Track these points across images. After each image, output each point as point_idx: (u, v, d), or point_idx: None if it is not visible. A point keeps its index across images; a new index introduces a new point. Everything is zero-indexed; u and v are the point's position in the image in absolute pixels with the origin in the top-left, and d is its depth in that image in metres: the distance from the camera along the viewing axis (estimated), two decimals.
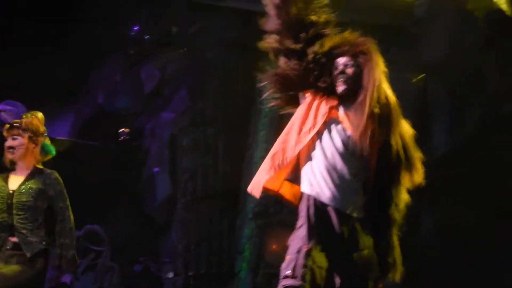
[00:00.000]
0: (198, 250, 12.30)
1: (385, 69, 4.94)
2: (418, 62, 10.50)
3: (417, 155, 4.90)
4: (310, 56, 4.94)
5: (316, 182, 4.77)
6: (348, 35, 5.02)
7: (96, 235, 12.31)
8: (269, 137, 10.99)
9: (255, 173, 5.00)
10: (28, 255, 6.45)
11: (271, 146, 4.97)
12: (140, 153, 13.68)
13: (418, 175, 4.89)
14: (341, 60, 4.92)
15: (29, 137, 6.71)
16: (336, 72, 4.91)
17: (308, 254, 4.57)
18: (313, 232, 4.65)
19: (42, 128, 6.85)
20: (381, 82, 4.84)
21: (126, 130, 13.21)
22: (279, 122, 10.48)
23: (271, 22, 5.06)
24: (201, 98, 12.77)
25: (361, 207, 4.76)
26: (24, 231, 6.51)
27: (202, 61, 12.79)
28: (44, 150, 6.91)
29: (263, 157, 4.44)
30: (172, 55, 13.31)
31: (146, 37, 13.54)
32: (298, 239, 4.69)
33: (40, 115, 6.90)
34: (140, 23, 13.51)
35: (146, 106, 13.71)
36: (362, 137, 4.69)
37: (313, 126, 4.81)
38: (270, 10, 5.06)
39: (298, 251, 4.61)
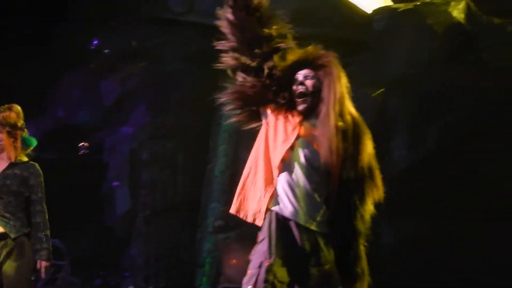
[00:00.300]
0: (158, 263, 12.25)
1: (348, 84, 4.95)
2: (378, 77, 10.54)
3: (378, 173, 4.92)
4: (266, 72, 4.94)
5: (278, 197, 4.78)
6: (310, 49, 5.02)
7: (56, 250, 12.18)
8: (230, 151, 10.98)
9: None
10: (12, 236, 6.36)
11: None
12: (100, 167, 13.59)
13: (378, 193, 4.91)
14: (301, 72, 4.93)
15: (8, 132, 6.65)
16: (295, 85, 4.92)
17: (269, 268, 4.56)
18: (274, 247, 4.64)
19: (20, 122, 6.77)
20: (343, 96, 4.86)
21: (86, 144, 13.11)
22: (240, 137, 10.52)
23: (227, 40, 5.06)
24: (161, 112, 12.74)
25: (324, 222, 4.76)
26: (7, 215, 6.44)
27: (163, 75, 12.77)
28: (25, 143, 6.84)
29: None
30: (132, 69, 13.26)
31: (106, 51, 13.49)
32: (259, 254, 4.68)
33: (17, 108, 6.81)
34: (100, 36, 13.45)
35: (106, 120, 13.63)
36: (329, 153, 4.70)
37: (285, 139, 4.82)
38: (225, 28, 5.06)
39: (260, 266, 4.60)
